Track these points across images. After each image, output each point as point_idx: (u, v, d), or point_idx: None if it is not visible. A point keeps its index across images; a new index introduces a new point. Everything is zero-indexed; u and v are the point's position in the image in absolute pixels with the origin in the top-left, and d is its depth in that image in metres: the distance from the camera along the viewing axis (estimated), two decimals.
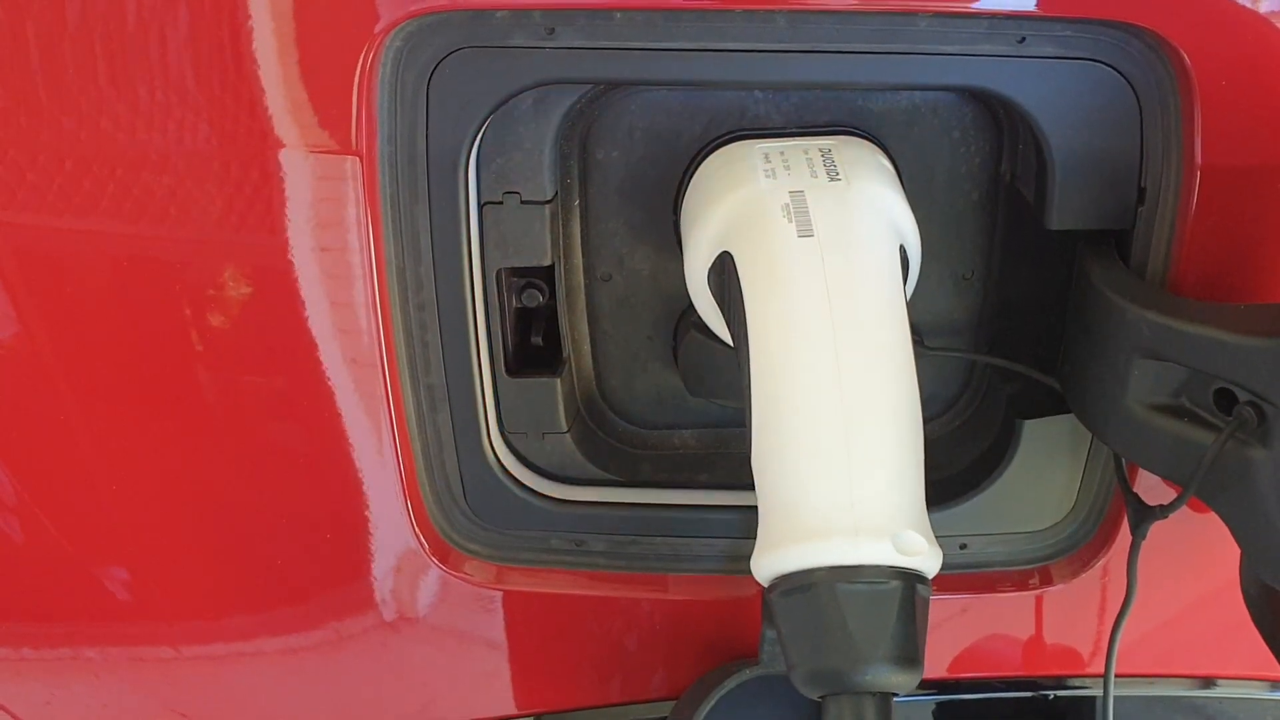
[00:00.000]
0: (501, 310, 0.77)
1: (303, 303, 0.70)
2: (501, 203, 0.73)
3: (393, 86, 0.66)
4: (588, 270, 0.83)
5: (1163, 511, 0.69)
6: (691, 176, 0.77)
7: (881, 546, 0.58)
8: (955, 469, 0.85)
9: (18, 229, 0.69)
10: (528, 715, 0.89)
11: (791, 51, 0.66)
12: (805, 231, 0.65)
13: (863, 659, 0.57)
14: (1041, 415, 0.79)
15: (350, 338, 0.72)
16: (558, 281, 0.80)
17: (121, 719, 0.89)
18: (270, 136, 0.65)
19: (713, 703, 0.79)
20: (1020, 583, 0.84)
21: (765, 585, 0.62)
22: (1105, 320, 0.68)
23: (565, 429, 0.82)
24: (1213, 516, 0.65)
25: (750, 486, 0.65)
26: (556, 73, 0.67)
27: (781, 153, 0.71)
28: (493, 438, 0.80)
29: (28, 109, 0.65)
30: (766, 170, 0.70)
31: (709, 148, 0.76)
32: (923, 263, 0.73)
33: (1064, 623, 0.86)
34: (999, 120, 0.77)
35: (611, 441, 0.88)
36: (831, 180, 0.68)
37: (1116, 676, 0.78)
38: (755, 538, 0.64)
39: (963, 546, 0.83)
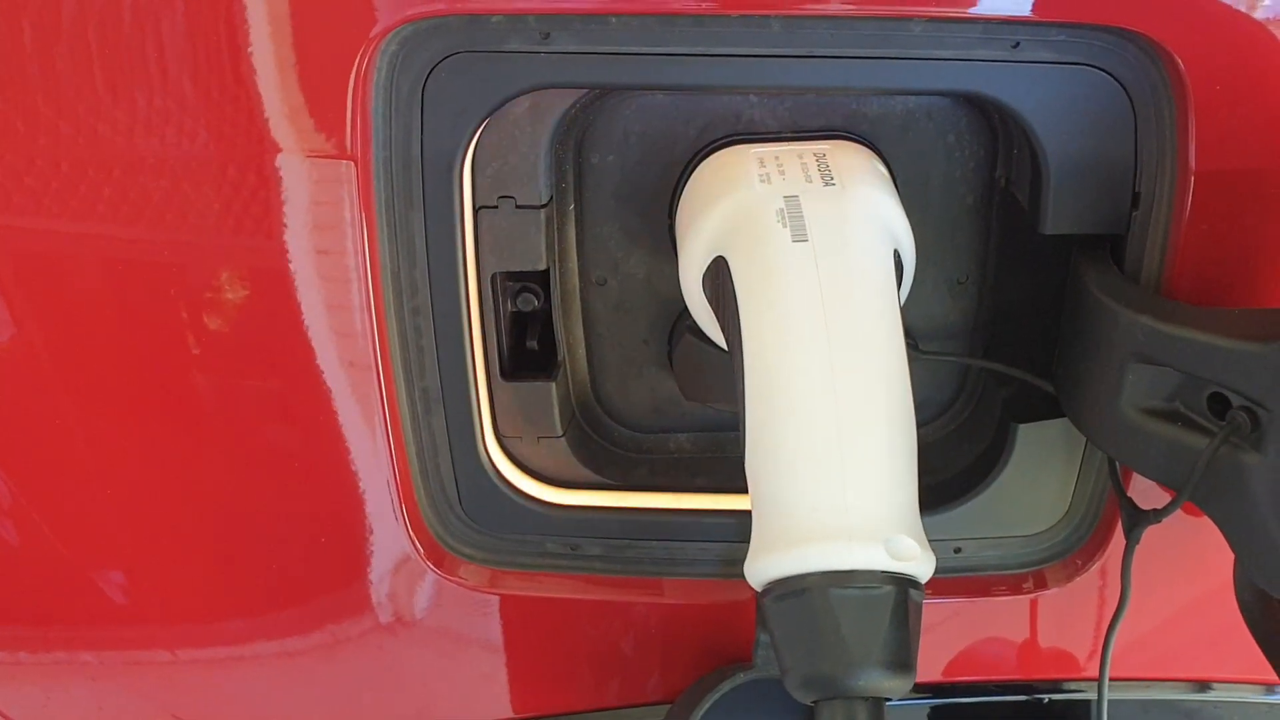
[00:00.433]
0: (496, 314, 0.77)
1: (298, 306, 0.70)
2: (496, 207, 0.73)
3: (388, 91, 0.66)
4: (583, 274, 0.83)
5: (1156, 516, 0.69)
6: (686, 181, 0.77)
7: (874, 551, 0.58)
8: (950, 473, 0.85)
9: (15, 233, 0.69)
10: (522, 719, 0.89)
11: (786, 56, 0.66)
12: (799, 236, 0.65)
13: (855, 664, 0.57)
14: (1036, 419, 0.79)
15: (345, 341, 0.72)
16: (553, 286, 0.80)
17: None
18: (266, 141, 0.65)
19: (706, 707, 0.79)
20: (1015, 587, 0.84)
21: (759, 590, 0.62)
22: (1099, 325, 0.68)
23: (560, 433, 0.82)
24: (1207, 521, 0.65)
25: (746, 491, 0.65)
26: (551, 77, 0.67)
27: (776, 157, 0.71)
28: (487, 442, 0.80)
29: (24, 114, 0.65)
30: (761, 175, 0.70)
31: (704, 152, 0.76)
32: (918, 267, 0.74)
33: (1059, 627, 0.86)
34: (994, 125, 0.77)
35: (606, 445, 0.88)
36: (826, 185, 0.68)
37: (1112, 680, 0.79)
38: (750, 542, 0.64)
39: (957, 550, 0.83)
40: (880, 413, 0.62)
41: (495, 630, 0.85)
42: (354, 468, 0.77)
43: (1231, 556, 0.66)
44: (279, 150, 0.66)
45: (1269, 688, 0.92)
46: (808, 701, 0.59)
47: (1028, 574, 0.85)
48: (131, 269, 0.70)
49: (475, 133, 0.68)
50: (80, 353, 0.73)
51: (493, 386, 0.79)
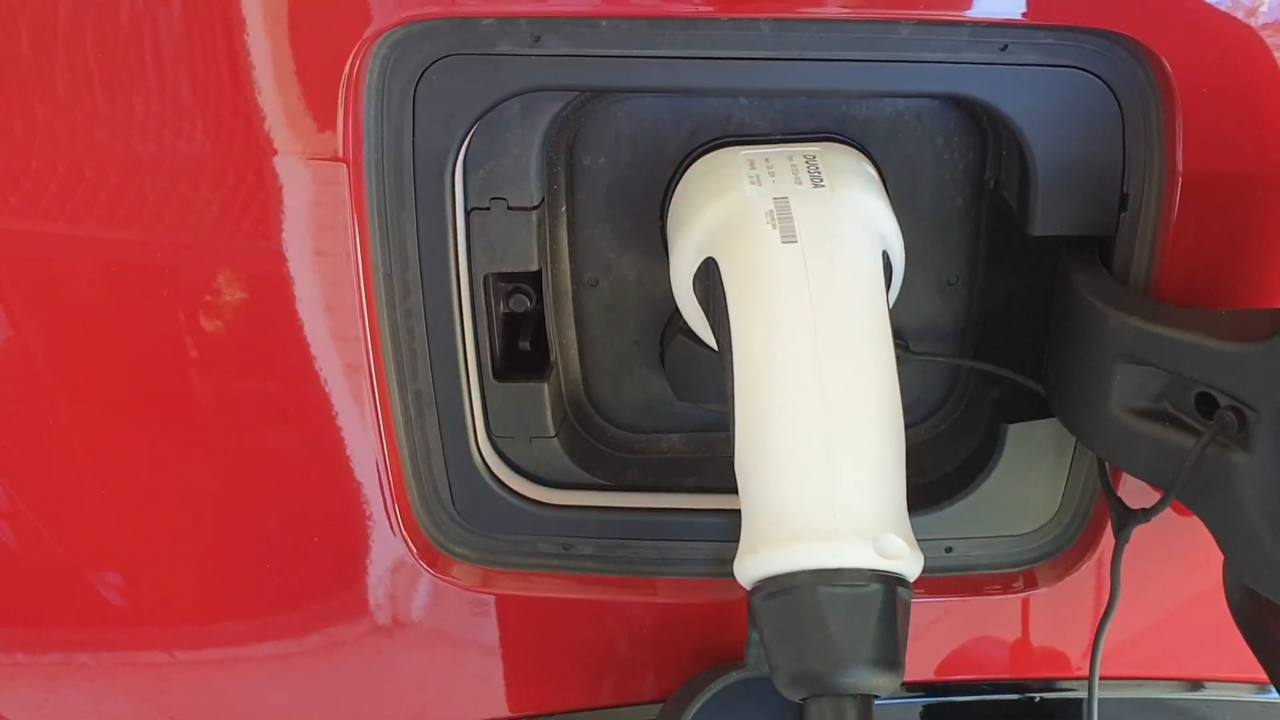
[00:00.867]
0: (489, 315, 0.78)
1: (291, 308, 0.70)
2: (488, 209, 0.74)
3: (379, 94, 0.66)
4: (575, 275, 0.83)
5: (1145, 515, 0.70)
6: (677, 183, 0.77)
7: (862, 550, 0.59)
8: (941, 473, 0.85)
9: (11, 235, 0.69)
10: (515, 719, 0.89)
11: (776, 59, 0.66)
12: (789, 237, 0.66)
13: (844, 661, 0.57)
14: (1026, 419, 0.79)
15: (338, 342, 0.72)
16: (545, 287, 0.80)
17: None
18: (258, 143, 0.66)
19: (698, 706, 0.79)
20: (1006, 586, 0.85)
21: (748, 588, 0.63)
22: (1088, 325, 0.69)
23: (553, 433, 0.82)
24: (1198, 520, 0.65)
25: (737, 490, 0.65)
26: (542, 80, 0.67)
27: (766, 159, 0.72)
28: (480, 442, 0.80)
29: (21, 116, 0.66)
30: (751, 177, 0.70)
31: (695, 154, 0.76)
32: (908, 268, 0.74)
33: (1049, 626, 0.87)
34: (983, 127, 0.78)
35: (599, 446, 0.88)
36: (815, 187, 0.69)
37: (1105, 679, 0.79)
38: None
39: (948, 550, 0.84)
40: (868, 412, 0.62)
41: (488, 630, 0.85)
42: (347, 468, 0.77)
43: (1222, 556, 0.66)
44: (271, 153, 0.66)
45: (1262, 686, 0.92)
46: (797, 699, 0.60)
47: (1018, 573, 0.85)
48: (123, 270, 0.70)
49: (467, 135, 0.69)
50: (76, 354, 0.73)
51: (485, 387, 0.80)
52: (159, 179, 0.67)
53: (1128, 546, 0.72)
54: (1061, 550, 0.83)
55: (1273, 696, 0.91)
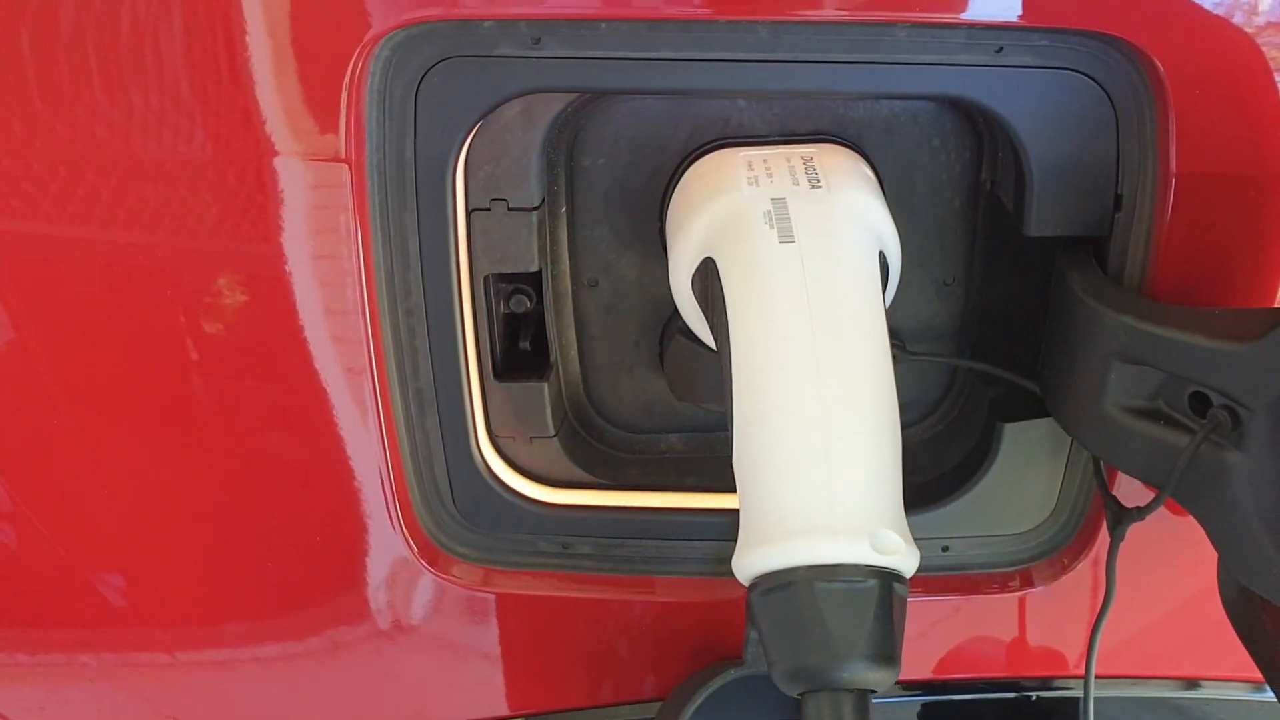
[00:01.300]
0: (489, 316, 0.78)
1: (293, 309, 0.71)
2: (489, 209, 0.74)
3: (381, 95, 0.67)
4: (575, 276, 0.83)
5: (1140, 513, 0.70)
6: (676, 184, 0.77)
7: (859, 545, 0.59)
8: (938, 472, 0.85)
9: (12, 237, 0.69)
10: (515, 717, 0.89)
11: (774, 61, 0.67)
12: (786, 238, 0.66)
13: (841, 656, 0.58)
14: (1022, 419, 0.79)
15: (340, 343, 0.72)
16: (545, 287, 0.80)
17: None
18: (260, 144, 0.66)
19: (698, 703, 0.80)
20: (1002, 584, 0.85)
21: (746, 584, 0.63)
22: (1083, 325, 0.69)
23: (553, 433, 0.83)
24: (1193, 519, 0.65)
25: (735, 489, 0.66)
26: (542, 81, 0.67)
27: (764, 160, 0.72)
28: (480, 442, 0.81)
29: (22, 116, 0.66)
30: (749, 178, 0.71)
31: (693, 155, 0.77)
32: (905, 269, 0.74)
33: (1046, 624, 0.87)
34: (978, 129, 0.78)
35: (598, 445, 0.88)
36: (813, 188, 0.69)
37: (1102, 678, 0.79)
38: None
39: (945, 549, 0.84)
40: (865, 410, 0.62)
41: (489, 628, 0.85)
42: (348, 468, 0.77)
43: (1217, 554, 0.66)
44: (274, 154, 0.66)
45: (1258, 685, 0.92)
46: (794, 694, 0.60)
47: (1015, 572, 0.85)
48: (124, 271, 0.70)
49: (468, 136, 0.69)
50: (75, 355, 0.73)
51: (486, 387, 0.80)
52: (161, 180, 0.67)
53: (1123, 545, 0.73)
54: (1058, 549, 0.84)
55: (1268, 695, 0.92)
